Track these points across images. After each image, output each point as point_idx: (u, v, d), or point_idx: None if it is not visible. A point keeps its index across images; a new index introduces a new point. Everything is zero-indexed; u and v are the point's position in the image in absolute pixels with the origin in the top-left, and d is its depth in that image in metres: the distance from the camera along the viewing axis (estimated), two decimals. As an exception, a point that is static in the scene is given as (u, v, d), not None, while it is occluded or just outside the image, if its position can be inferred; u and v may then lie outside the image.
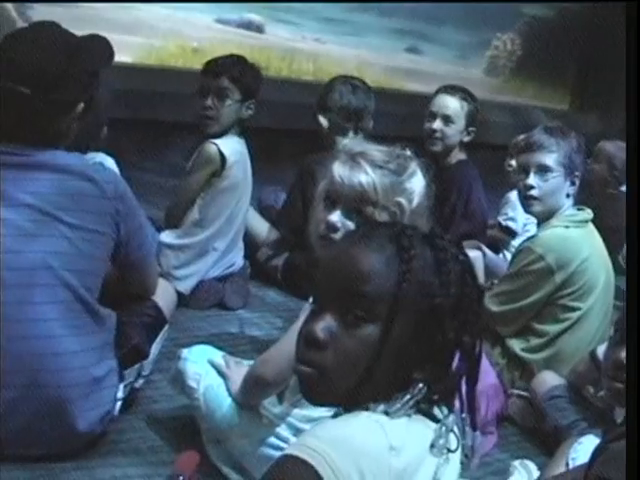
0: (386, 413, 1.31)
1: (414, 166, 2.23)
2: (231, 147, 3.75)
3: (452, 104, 4.21)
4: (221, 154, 3.70)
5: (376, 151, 2.20)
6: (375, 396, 1.33)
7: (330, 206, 2.19)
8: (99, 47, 2.50)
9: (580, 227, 3.26)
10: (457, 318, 1.35)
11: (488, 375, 2.93)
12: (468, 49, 8.34)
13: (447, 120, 4.20)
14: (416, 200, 2.20)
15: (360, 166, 2.16)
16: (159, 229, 3.71)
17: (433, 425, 1.34)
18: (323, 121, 4.04)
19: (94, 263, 2.39)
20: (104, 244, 2.41)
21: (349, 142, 2.30)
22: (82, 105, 2.40)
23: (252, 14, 6.88)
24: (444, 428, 1.34)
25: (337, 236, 2.14)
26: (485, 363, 2.62)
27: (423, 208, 2.23)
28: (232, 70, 3.72)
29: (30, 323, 2.26)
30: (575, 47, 8.67)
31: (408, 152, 2.28)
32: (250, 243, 4.11)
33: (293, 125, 5.46)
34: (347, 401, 1.34)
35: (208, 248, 3.78)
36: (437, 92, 4.32)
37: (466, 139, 4.28)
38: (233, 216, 3.82)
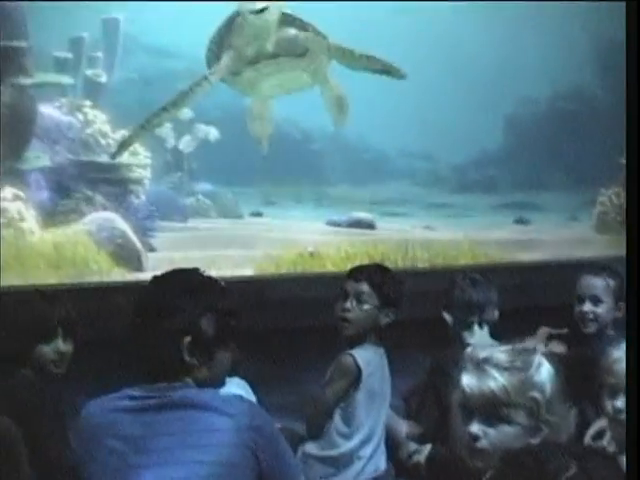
0: None
1: (539, 358, 2.28)
2: (367, 358, 3.81)
3: (598, 283, 4.24)
4: (357, 366, 3.77)
5: (499, 353, 2.26)
6: None
7: (468, 416, 2.24)
8: (213, 287, 2.62)
9: None
10: None
11: None
12: (576, 210, 8.38)
13: (596, 300, 4.21)
14: (549, 390, 2.23)
15: (487, 373, 2.21)
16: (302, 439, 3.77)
17: None
18: (448, 317, 4.11)
19: None
20: (245, 477, 2.40)
21: (472, 348, 2.34)
22: (189, 338, 2.45)
23: (360, 212, 7.12)
24: None
25: (480, 444, 2.18)
26: None
27: (559, 395, 2.25)
28: (373, 276, 3.85)
29: None
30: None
31: (530, 345, 2.33)
32: (390, 443, 4.10)
33: (416, 315, 5.53)
34: None
35: (353, 458, 3.79)
36: (581, 274, 4.34)
37: (617, 315, 4.24)
38: (376, 424, 3.85)
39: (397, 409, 4.41)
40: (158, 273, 2.59)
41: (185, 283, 2.53)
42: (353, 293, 3.83)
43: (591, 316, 4.20)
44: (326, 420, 3.80)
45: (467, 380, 2.23)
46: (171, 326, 2.44)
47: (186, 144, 7.05)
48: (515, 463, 1.52)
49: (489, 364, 2.22)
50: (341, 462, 3.77)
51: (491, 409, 2.19)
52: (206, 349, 2.48)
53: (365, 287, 3.83)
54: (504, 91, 8.01)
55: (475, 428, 2.20)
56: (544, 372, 2.25)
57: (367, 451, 3.81)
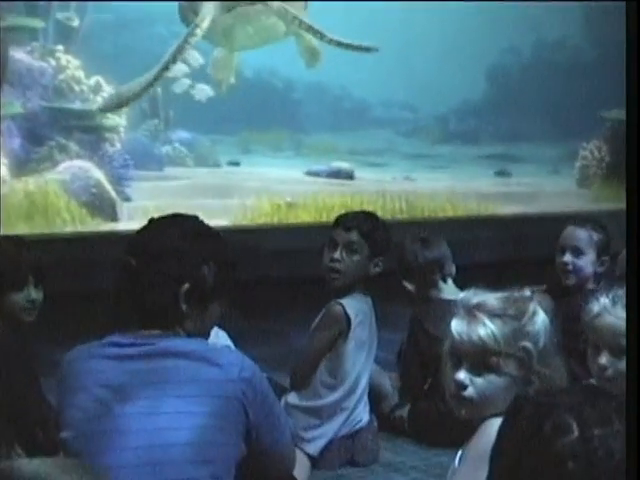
0: None
1: (533, 306, 2.19)
2: (356, 307, 3.73)
3: (581, 235, 4.16)
4: (346, 315, 3.68)
5: (493, 299, 2.17)
6: None
7: (456, 364, 2.16)
8: (215, 236, 2.53)
9: None
10: None
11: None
12: (558, 163, 8.34)
13: (577, 252, 4.13)
14: (542, 340, 2.15)
15: (477, 319, 2.13)
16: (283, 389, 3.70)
17: None
18: (409, 286, 4.09)
19: (225, 450, 2.34)
20: (235, 430, 2.35)
21: (466, 294, 2.25)
22: (187, 286, 2.41)
23: (339, 162, 7.03)
24: None
25: (467, 393, 2.11)
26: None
27: (552, 347, 2.17)
28: (363, 225, 3.75)
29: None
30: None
31: (526, 293, 2.24)
32: (374, 396, 4.05)
33: (395, 266, 5.45)
34: None
35: (337, 409, 3.73)
36: (565, 225, 4.27)
37: (599, 270, 4.16)
38: (361, 376, 3.78)
39: (382, 362, 4.39)
40: (155, 217, 2.49)
41: (187, 229, 2.44)
42: (343, 243, 3.73)
43: (571, 267, 4.12)
44: (312, 370, 3.73)
45: (456, 326, 2.15)
46: (171, 271, 2.35)
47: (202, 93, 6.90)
48: (508, 418, 1.42)
49: (481, 310, 2.13)
50: (325, 413, 3.72)
51: (479, 357, 2.11)
52: (202, 299, 2.41)
53: (355, 236, 3.73)
54: (487, 41, 7.90)
55: (462, 376, 2.12)
56: (538, 321, 2.16)
57: (351, 403, 3.75)
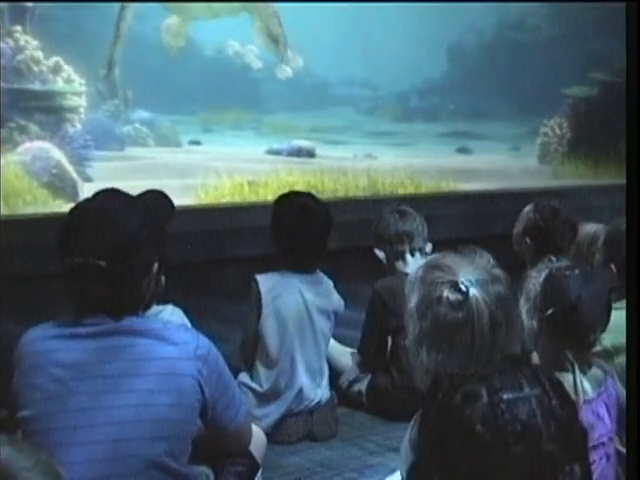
0: None
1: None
2: (272, 281, 3.80)
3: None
4: (257, 290, 3.77)
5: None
6: None
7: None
8: (162, 204, 2.55)
9: None
10: None
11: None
12: (518, 140, 8.39)
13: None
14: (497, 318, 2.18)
15: None
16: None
17: None
18: (380, 254, 4.18)
19: (181, 427, 2.36)
20: (190, 407, 2.38)
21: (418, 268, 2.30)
22: (156, 265, 2.43)
23: (301, 140, 7.03)
24: None
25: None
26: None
27: (508, 322, 2.22)
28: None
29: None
30: (622, 119, 8.63)
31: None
32: (333, 371, 4.10)
33: (356, 244, 5.49)
34: None
35: (279, 388, 3.79)
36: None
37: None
38: (295, 353, 3.83)
39: (349, 340, 4.43)
40: (102, 206, 2.42)
41: (132, 210, 2.43)
42: None
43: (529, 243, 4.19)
44: (250, 348, 3.82)
45: (416, 300, 2.17)
46: (142, 261, 2.38)
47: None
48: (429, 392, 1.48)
49: None
50: (269, 392, 3.78)
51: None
52: (161, 272, 2.49)
53: None
54: (449, 20, 7.91)
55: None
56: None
57: (296, 380, 3.80)
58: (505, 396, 1.37)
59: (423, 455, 1.44)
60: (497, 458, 1.32)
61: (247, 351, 3.85)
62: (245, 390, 3.74)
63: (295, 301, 3.83)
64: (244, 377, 3.81)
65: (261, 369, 3.81)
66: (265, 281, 3.78)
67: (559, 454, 1.34)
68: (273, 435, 3.66)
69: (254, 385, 3.80)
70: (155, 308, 3.06)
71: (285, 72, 6.75)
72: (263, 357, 3.81)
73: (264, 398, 3.79)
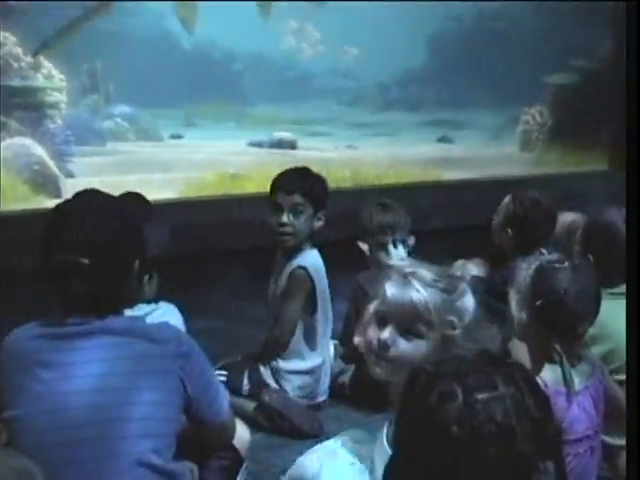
0: None
1: (464, 286, 2.26)
2: (312, 263, 3.95)
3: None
4: (310, 277, 3.92)
5: (426, 271, 2.23)
6: None
7: (381, 324, 2.21)
8: (139, 204, 2.56)
9: None
10: None
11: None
12: (500, 128, 8.42)
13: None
14: (467, 318, 2.22)
15: (411, 284, 2.18)
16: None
17: None
18: (363, 246, 4.22)
19: (166, 424, 2.38)
20: (174, 404, 2.39)
21: (401, 263, 2.33)
22: (138, 262, 2.44)
23: (282, 132, 7.05)
24: None
25: (387, 353, 2.16)
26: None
27: (474, 326, 2.24)
28: (304, 185, 3.87)
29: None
30: (604, 106, 8.69)
31: (458, 273, 2.31)
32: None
33: (339, 235, 5.51)
34: None
35: (324, 369, 4.05)
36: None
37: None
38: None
39: (333, 331, 4.46)
40: (83, 205, 2.42)
41: (117, 206, 2.46)
42: (288, 206, 3.88)
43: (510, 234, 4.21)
44: (289, 336, 3.90)
45: (390, 287, 2.21)
46: (124, 259, 2.39)
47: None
48: (406, 388, 1.49)
49: (415, 277, 2.19)
50: (313, 373, 4.02)
51: (407, 320, 2.17)
52: (144, 268, 2.48)
53: (299, 198, 3.87)
54: (428, 9, 7.92)
55: (386, 335, 2.17)
56: (467, 300, 2.22)
57: (327, 366, 4.07)
58: (480, 396, 1.38)
59: (401, 452, 1.46)
60: (473, 459, 1.34)
61: (285, 339, 3.95)
62: (286, 376, 3.94)
63: (325, 277, 4.02)
64: (284, 364, 3.97)
65: (309, 353, 3.99)
66: (310, 265, 3.91)
67: (533, 453, 1.35)
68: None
69: (302, 366, 3.96)
70: (147, 307, 3.07)
71: None
72: (305, 341, 3.97)
73: (313, 380, 3.98)
